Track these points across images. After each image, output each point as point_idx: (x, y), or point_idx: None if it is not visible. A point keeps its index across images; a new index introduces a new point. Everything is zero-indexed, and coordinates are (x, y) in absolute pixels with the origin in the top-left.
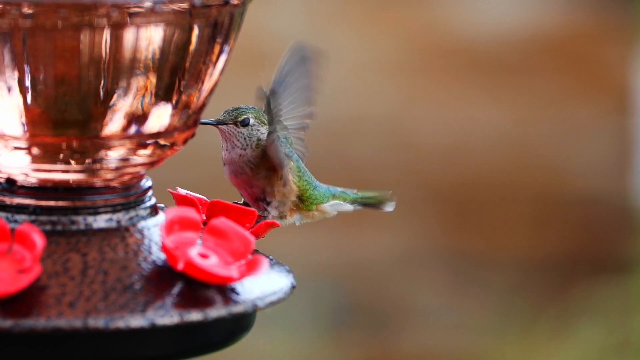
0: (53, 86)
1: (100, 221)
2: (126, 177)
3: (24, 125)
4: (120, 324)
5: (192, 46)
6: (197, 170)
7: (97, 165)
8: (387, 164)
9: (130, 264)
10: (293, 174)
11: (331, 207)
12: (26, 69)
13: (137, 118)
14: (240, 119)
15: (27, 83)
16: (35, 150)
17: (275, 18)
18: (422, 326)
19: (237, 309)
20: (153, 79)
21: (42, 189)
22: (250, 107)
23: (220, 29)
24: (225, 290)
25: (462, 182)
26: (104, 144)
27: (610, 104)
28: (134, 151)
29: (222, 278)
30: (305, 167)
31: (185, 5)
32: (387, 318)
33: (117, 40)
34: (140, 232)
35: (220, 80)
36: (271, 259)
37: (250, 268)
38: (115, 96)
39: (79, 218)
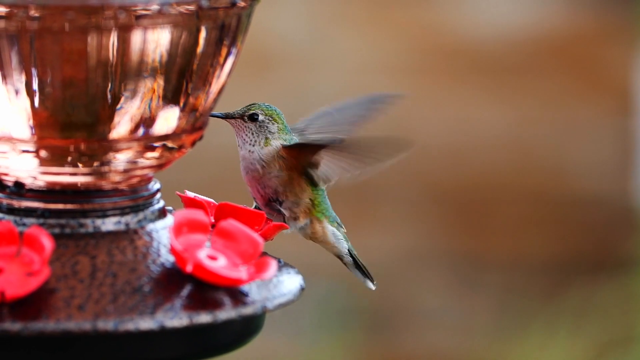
0: (60, 89)
1: (109, 224)
2: (134, 180)
3: (31, 128)
4: (129, 326)
5: (200, 48)
6: (197, 172)
7: (105, 168)
8: (389, 164)
9: (139, 266)
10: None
11: (333, 234)
12: (33, 71)
13: (145, 121)
14: (248, 114)
15: (35, 86)
16: (43, 153)
17: (277, 19)
18: (425, 327)
19: (246, 311)
20: (160, 81)
21: (50, 192)
22: (265, 104)
23: (228, 31)
24: (234, 292)
25: (463, 183)
26: (112, 146)
27: (612, 105)
28: (141, 154)
29: (231, 280)
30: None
31: (192, 7)
32: (389, 319)
33: (124, 42)
34: (149, 234)
35: (228, 82)
36: (280, 261)
37: (259, 270)
38: (122, 99)
39: (88, 221)
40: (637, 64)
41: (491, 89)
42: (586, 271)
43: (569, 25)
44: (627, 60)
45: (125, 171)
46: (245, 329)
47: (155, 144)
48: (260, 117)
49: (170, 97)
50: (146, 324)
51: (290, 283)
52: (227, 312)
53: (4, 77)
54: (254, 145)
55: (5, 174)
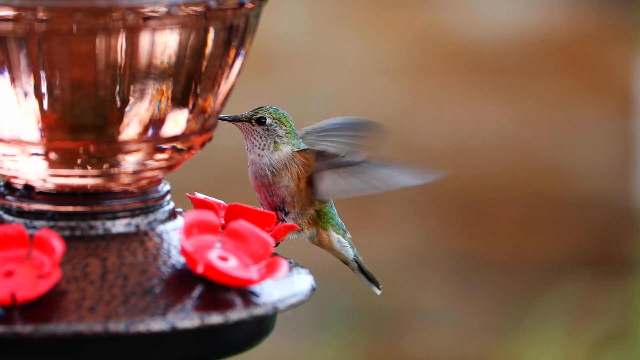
0: (69, 91)
1: (119, 226)
2: (144, 182)
3: (40, 130)
4: (140, 327)
5: (208, 49)
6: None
7: (115, 170)
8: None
9: (149, 267)
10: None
11: (339, 242)
12: (42, 74)
13: (154, 122)
14: (256, 117)
15: (43, 88)
16: (52, 156)
17: (278, 20)
18: (426, 328)
19: (257, 311)
20: (169, 83)
21: (60, 195)
22: (272, 107)
23: (236, 32)
24: (245, 292)
25: (465, 184)
26: (121, 148)
27: (613, 106)
28: (151, 155)
29: (242, 280)
30: None
31: (200, 8)
32: (390, 320)
33: (132, 44)
34: (160, 236)
35: (237, 83)
36: (291, 262)
37: (270, 270)
38: (131, 101)
39: (98, 223)
40: (638, 65)
41: (492, 89)
42: (587, 272)
43: (570, 26)
44: (628, 61)
45: (135, 173)
46: (257, 329)
47: (165, 146)
48: (268, 121)
49: (179, 99)
50: (157, 325)
51: (301, 283)
52: (239, 313)
53: (13, 80)
54: (263, 150)
55: (15, 177)
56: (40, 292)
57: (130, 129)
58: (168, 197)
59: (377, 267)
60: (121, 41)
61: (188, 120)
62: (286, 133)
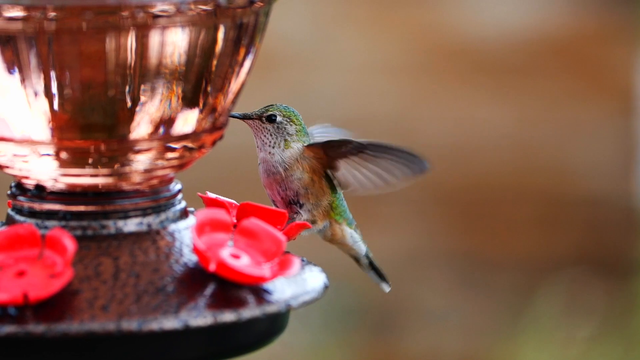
0: (79, 90)
1: (131, 225)
2: (155, 181)
3: (51, 130)
4: (153, 325)
5: (218, 48)
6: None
7: (126, 169)
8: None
9: (162, 266)
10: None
11: (351, 236)
12: (52, 73)
13: (165, 121)
14: (266, 115)
15: (54, 88)
16: (63, 155)
17: (280, 20)
18: (427, 327)
19: (270, 308)
20: (180, 81)
21: (72, 194)
22: (283, 105)
23: (246, 30)
24: (258, 290)
25: (466, 183)
26: (132, 147)
27: (614, 105)
28: (162, 154)
29: (254, 278)
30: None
31: (210, 6)
32: (391, 319)
33: (142, 42)
34: (171, 235)
35: (247, 80)
36: (303, 260)
37: (283, 268)
38: (142, 100)
39: (109, 222)
40: (639, 64)
41: (493, 89)
42: (589, 271)
43: (571, 25)
44: (630, 60)
45: (146, 172)
46: (270, 328)
47: (176, 145)
48: (278, 119)
49: (190, 97)
50: (170, 323)
51: (314, 281)
52: (251, 311)
53: (23, 80)
54: (273, 147)
55: (26, 177)
56: (52, 292)
57: (140, 128)
58: (179, 196)
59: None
60: (131, 40)
61: (199, 119)
62: (296, 131)
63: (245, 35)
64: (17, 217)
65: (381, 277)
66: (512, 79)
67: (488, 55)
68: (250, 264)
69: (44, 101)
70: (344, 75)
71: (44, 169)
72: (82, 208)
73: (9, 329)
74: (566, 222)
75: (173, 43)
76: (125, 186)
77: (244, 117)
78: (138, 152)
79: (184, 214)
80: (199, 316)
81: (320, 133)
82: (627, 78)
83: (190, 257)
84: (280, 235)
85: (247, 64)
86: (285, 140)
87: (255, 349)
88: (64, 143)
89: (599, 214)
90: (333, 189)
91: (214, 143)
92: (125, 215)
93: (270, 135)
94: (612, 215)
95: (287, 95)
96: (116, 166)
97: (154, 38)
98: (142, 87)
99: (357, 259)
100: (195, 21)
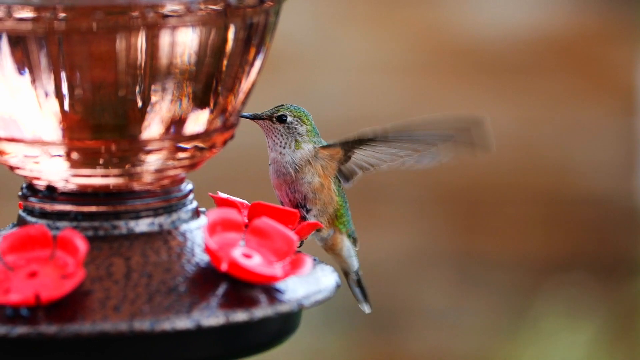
0: (90, 91)
1: (142, 225)
2: (166, 181)
3: (62, 131)
4: (166, 325)
5: (228, 47)
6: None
7: (137, 169)
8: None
9: (173, 266)
10: (334, 185)
11: (348, 250)
12: (62, 74)
13: (175, 121)
14: (276, 115)
15: (64, 88)
16: (74, 156)
17: (283, 19)
18: (429, 327)
19: (282, 308)
20: (190, 81)
21: (83, 195)
22: (293, 105)
23: (256, 30)
24: (270, 290)
25: (468, 183)
26: (143, 147)
27: (617, 105)
28: (172, 154)
29: (266, 277)
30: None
31: (220, 6)
32: (394, 319)
33: (153, 43)
34: (183, 235)
35: (258, 80)
36: (315, 259)
37: (294, 267)
38: (152, 100)
39: (121, 223)
40: None
41: (495, 88)
42: (590, 270)
43: (573, 25)
44: (632, 60)
45: (157, 172)
46: (282, 327)
47: (186, 145)
48: (289, 119)
49: (200, 97)
50: (182, 323)
51: (326, 280)
52: (264, 310)
53: (34, 80)
54: (284, 148)
55: (37, 178)
56: (64, 292)
57: (151, 128)
58: (191, 196)
59: (382, 265)
60: (141, 40)
61: (209, 119)
62: (307, 131)
63: (256, 35)
64: (29, 218)
65: (365, 296)
66: (514, 79)
67: (490, 55)
68: (262, 263)
69: (54, 102)
70: (347, 75)
71: (55, 170)
72: (93, 208)
73: (21, 329)
74: (568, 221)
75: (183, 43)
76: (137, 186)
77: (254, 117)
78: (149, 152)
79: (195, 213)
80: (211, 316)
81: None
82: (629, 77)
83: (202, 257)
84: (291, 234)
85: (258, 63)
86: (296, 140)
87: (268, 348)
88: (75, 143)
89: (600, 213)
90: (340, 195)
91: (224, 143)
92: (136, 215)
93: (281, 135)
94: (614, 215)
95: (289, 95)
96: (127, 166)
97: (164, 38)
98: (153, 87)
99: (346, 273)
100: (205, 21)
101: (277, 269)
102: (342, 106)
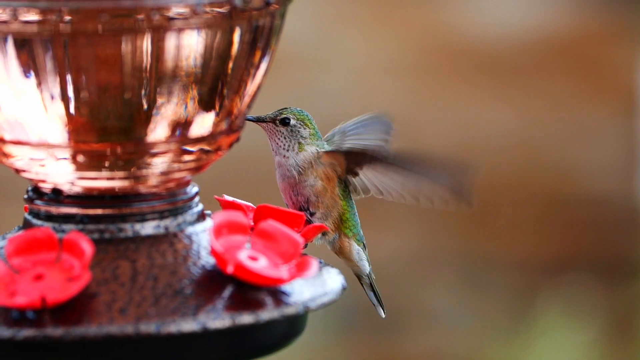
0: (95, 93)
1: (148, 228)
2: (172, 184)
3: (68, 133)
4: (172, 328)
5: (234, 50)
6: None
7: (142, 172)
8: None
9: (179, 269)
10: (338, 189)
11: (357, 253)
12: (68, 76)
13: (181, 124)
14: (280, 118)
15: (70, 91)
16: (80, 159)
17: None
18: (432, 328)
19: (288, 310)
20: (196, 84)
21: (88, 198)
22: (296, 109)
23: (262, 32)
24: (276, 292)
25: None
26: (148, 150)
27: (618, 106)
28: (178, 157)
29: (272, 280)
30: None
31: (226, 8)
32: (396, 319)
33: (158, 45)
34: (189, 237)
35: (264, 82)
36: (321, 262)
37: (300, 269)
38: (158, 102)
39: (127, 225)
40: None
41: (496, 89)
42: (591, 271)
43: (574, 26)
44: (632, 61)
45: (162, 174)
46: (288, 329)
47: (192, 147)
48: (292, 122)
49: (206, 100)
50: (188, 325)
51: (332, 282)
52: (270, 312)
53: (39, 83)
54: (288, 151)
55: (43, 181)
56: (70, 295)
57: (157, 131)
58: (197, 198)
59: (382, 265)
60: (147, 42)
61: (215, 122)
62: (310, 134)
63: (261, 38)
64: (34, 221)
65: (379, 300)
66: (515, 80)
67: (491, 56)
68: (268, 265)
69: (60, 104)
70: (347, 76)
71: (61, 173)
72: (99, 211)
73: (27, 332)
74: (569, 222)
75: (189, 45)
76: (142, 189)
77: (258, 120)
78: (154, 155)
79: (201, 216)
80: (217, 318)
81: (355, 128)
82: (630, 78)
83: (207, 260)
84: (297, 237)
85: (263, 66)
86: (299, 143)
87: (274, 351)
88: (81, 146)
89: (601, 214)
90: (346, 200)
91: (230, 145)
92: (142, 218)
93: (284, 138)
94: (615, 216)
95: (290, 96)
96: (133, 169)
97: (170, 41)
98: (159, 89)
99: (359, 277)
100: (211, 24)
101: (283, 271)
102: (343, 107)
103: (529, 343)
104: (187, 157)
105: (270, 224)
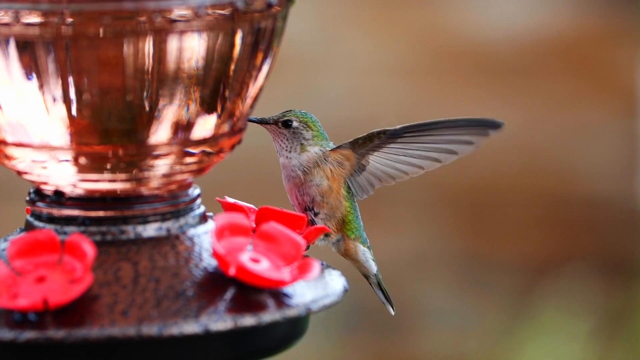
0: (97, 96)
1: (150, 230)
2: (173, 186)
3: (70, 135)
4: (174, 330)
5: (236, 52)
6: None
7: (144, 174)
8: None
9: (181, 271)
10: (343, 190)
11: (363, 254)
12: (70, 79)
13: (183, 126)
14: (282, 120)
15: (72, 93)
16: (82, 161)
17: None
18: (434, 329)
19: (290, 312)
20: (198, 86)
21: (90, 200)
22: (301, 111)
23: (264, 34)
24: (278, 294)
25: (471, 184)
26: (150, 152)
27: (619, 107)
28: (180, 159)
29: (274, 282)
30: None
31: (228, 10)
32: (398, 320)
33: (160, 47)
34: (191, 239)
35: (266, 84)
36: (323, 263)
37: (302, 271)
38: (160, 105)
39: (129, 227)
40: None
41: (498, 90)
42: (593, 272)
43: (575, 27)
44: (634, 62)
45: (164, 177)
46: (290, 331)
47: (194, 149)
48: (295, 124)
49: (208, 102)
50: (190, 327)
51: (333, 284)
52: (272, 314)
53: (41, 85)
54: (290, 152)
55: (45, 183)
56: (72, 297)
57: (159, 133)
58: (198, 200)
59: (385, 266)
60: (149, 45)
61: (217, 124)
62: (313, 136)
63: (263, 40)
64: (36, 223)
65: (387, 299)
66: (516, 81)
67: (493, 57)
68: (269, 267)
69: (62, 107)
70: (349, 77)
71: (63, 175)
72: (101, 213)
73: (29, 334)
74: (570, 223)
75: (191, 48)
76: (144, 191)
77: (261, 122)
78: (156, 157)
79: (203, 218)
80: (219, 320)
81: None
82: (631, 79)
83: (209, 262)
84: (299, 238)
85: (265, 68)
86: (302, 144)
87: (276, 353)
88: (83, 148)
89: (602, 215)
90: (349, 202)
91: (232, 147)
92: (144, 220)
93: (287, 140)
94: (616, 217)
95: (292, 97)
96: (134, 171)
97: (172, 43)
98: (160, 92)
99: (366, 277)
100: (212, 26)
101: (284, 273)
102: (345, 108)
103: (530, 342)
104: (189, 159)
105: (272, 226)
